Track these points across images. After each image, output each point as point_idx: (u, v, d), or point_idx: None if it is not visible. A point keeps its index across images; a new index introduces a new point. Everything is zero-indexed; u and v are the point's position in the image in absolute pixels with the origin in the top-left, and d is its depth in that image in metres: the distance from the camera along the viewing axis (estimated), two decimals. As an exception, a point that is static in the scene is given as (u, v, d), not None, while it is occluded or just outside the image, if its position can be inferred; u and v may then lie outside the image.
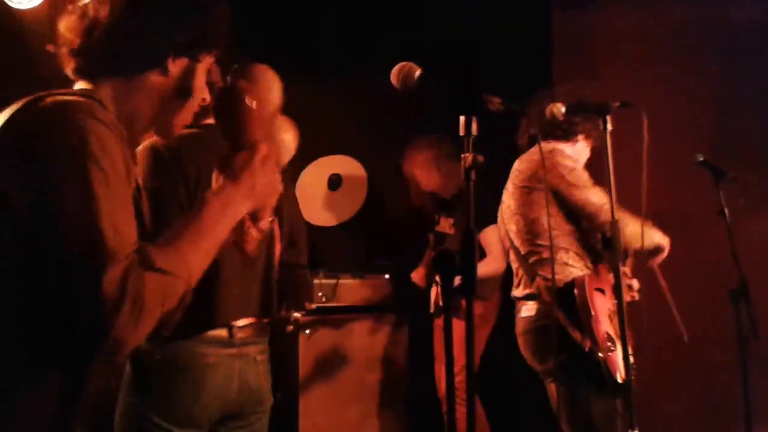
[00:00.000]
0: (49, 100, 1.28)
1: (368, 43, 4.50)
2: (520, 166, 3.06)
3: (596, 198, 2.89)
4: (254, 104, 1.49)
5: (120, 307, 1.16)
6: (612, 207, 2.47)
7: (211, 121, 2.18)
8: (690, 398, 4.29)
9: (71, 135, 1.21)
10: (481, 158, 1.81)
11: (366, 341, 4.37)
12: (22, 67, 3.50)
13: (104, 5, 1.38)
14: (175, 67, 1.42)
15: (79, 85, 1.42)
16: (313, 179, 4.62)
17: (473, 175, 1.82)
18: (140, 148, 2.14)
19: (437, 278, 4.05)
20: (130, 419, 2.17)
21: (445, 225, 4.23)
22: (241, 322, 2.25)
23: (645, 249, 2.88)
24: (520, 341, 2.97)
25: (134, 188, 1.34)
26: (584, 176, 2.96)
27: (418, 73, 1.78)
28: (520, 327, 2.98)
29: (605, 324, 2.78)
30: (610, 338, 2.75)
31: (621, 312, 2.41)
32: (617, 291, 2.42)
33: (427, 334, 4.34)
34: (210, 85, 1.51)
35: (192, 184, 2.11)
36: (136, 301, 1.17)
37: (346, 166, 4.61)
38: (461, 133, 1.81)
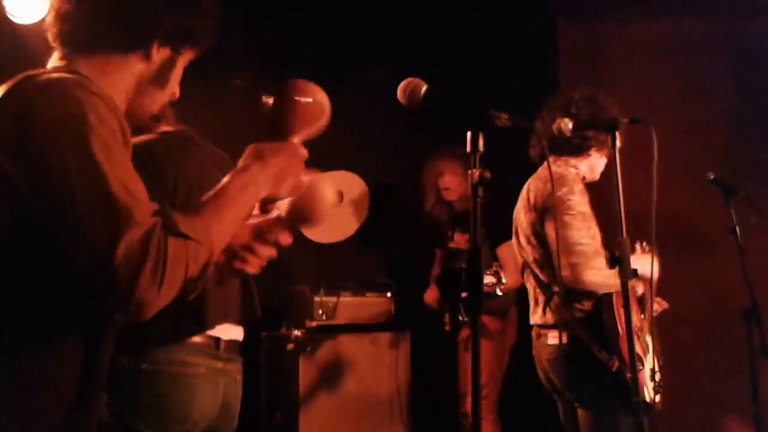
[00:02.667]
0: (42, 77, 1.28)
1: (371, 56, 4.47)
2: (533, 186, 2.98)
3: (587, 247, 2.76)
4: (301, 101, 1.53)
5: (141, 268, 1.16)
6: (622, 223, 2.40)
7: (168, 128, 2.21)
8: (701, 416, 4.22)
9: (69, 108, 1.22)
10: (488, 174, 1.79)
11: (367, 360, 4.33)
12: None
13: None
14: (158, 54, 1.43)
15: (55, 58, 1.42)
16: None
17: (480, 192, 1.81)
18: None
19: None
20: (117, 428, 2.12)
21: (461, 241, 4.20)
22: (226, 335, 2.23)
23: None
24: (546, 367, 2.90)
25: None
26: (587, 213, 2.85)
27: (424, 89, 1.78)
28: (545, 354, 2.90)
29: (626, 345, 2.67)
30: (638, 357, 2.68)
31: (630, 331, 2.36)
32: (626, 310, 2.37)
33: (429, 353, 4.28)
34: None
35: (170, 189, 2.11)
36: (158, 262, 1.17)
37: (348, 181, 4.56)
38: (468, 149, 1.79)
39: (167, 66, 1.44)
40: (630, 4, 4.54)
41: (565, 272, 2.72)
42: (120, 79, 1.40)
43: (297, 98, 1.53)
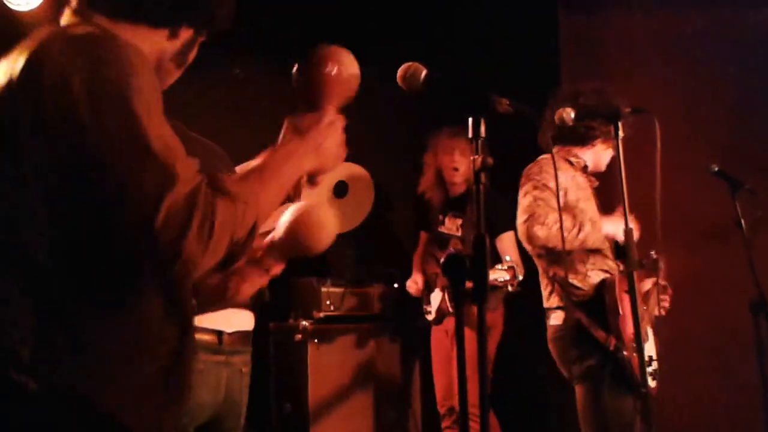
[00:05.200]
0: (78, 30, 1.25)
1: (372, 45, 4.48)
2: (525, 174, 3.06)
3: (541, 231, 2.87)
4: (334, 70, 1.50)
5: (188, 225, 1.13)
6: (626, 215, 2.41)
7: None
8: (709, 408, 4.22)
9: (112, 62, 1.19)
10: (490, 160, 1.77)
11: (374, 349, 4.35)
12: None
13: None
14: (184, 34, 1.42)
15: (68, 15, 1.37)
16: (319, 187, 4.58)
17: (483, 178, 1.77)
18: None
19: (440, 284, 4.03)
20: None
21: (452, 226, 4.17)
22: (230, 328, 2.20)
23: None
24: (551, 348, 3.03)
25: None
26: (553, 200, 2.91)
27: (423, 73, 1.75)
28: (549, 335, 3.04)
29: (629, 327, 2.78)
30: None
31: (636, 319, 2.37)
32: (632, 299, 2.38)
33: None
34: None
35: None
36: (205, 220, 1.14)
37: (352, 173, 4.57)
38: (470, 135, 1.77)
39: (189, 46, 1.44)
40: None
41: (520, 228, 2.89)
42: (147, 52, 1.35)
43: (329, 67, 1.51)
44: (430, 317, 4.16)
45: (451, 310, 3.89)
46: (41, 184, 1.18)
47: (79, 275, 1.20)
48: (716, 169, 3.36)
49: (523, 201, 2.93)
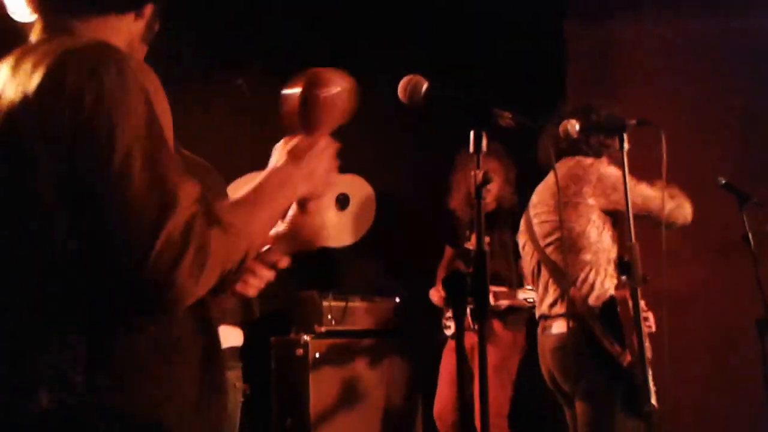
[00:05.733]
0: (85, 48, 1.24)
1: (376, 55, 4.47)
2: (561, 178, 2.93)
3: (651, 192, 2.82)
4: (329, 93, 1.49)
5: (182, 256, 1.13)
6: (631, 231, 2.38)
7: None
8: (714, 423, 4.16)
9: (126, 83, 1.19)
10: (491, 176, 1.75)
11: (376, 364, 4.31)
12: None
13: None
14: (147, 11, 1.41)
15: (38, 30, 1.35)
16: (321, 199, 4.56)
17: (484, 194, 1.78)
18: None
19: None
20: None
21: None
22: (224, 343, 2.19)
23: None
24: (549, 358, 2.88)
25: None
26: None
27: (425, 86, 1.73)
28: (550, 344, 2.89)
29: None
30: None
31: (640, 336, 2.35)
32: (636, 314, 2.36)
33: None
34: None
35: None
36: (199, 250, 1.15)
37: (354, 185, 4.55)
38: (471, 149, 1.75)
39: (152, 19, 1.43)
40: (639, 3, 4.50)
41: (668, 206, 2.81)
42: (118, 41, 1.35)
43: (323, 91, 1.48)
44: (449, 332, 4.13)
45: (472, 326, 3.86)
46: (55, 199, 1.17)
47: (103, 295, 1.19)
48: (724, 181, 3.32)
49: (634, 198, 2.65)
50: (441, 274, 4.34)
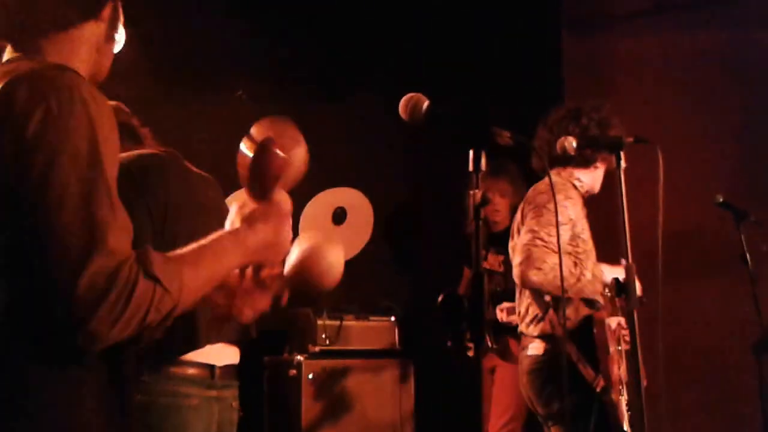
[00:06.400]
0: (34, 73, 1.24)
1: (373, 69, 4.46)
2: (531, 198, 2.98)
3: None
4: (283, 155, 1.47)
5: (103, 300, 1.14)
6: (627, 250, 2.36)
7: (153, 149, 2.17)
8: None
9: (72, 114, 1.19)
10: (490, 195, 1.75)
11: (370, 386, 4.26)
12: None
13: None
14: (106, 10, 1.41)
15: (9, 51, 1.38)
16: (317, 213, 4.53)
17: (482, 214, 1.77)
18: None
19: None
20: None
21: (494, 262, 4.13)
22: (220, 362, 2.19)
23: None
24: (524, 380, 2.91)
25: None
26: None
27: (426, 105, 1.76)
28: (525, 365, 2.92)
29: (618, 366, 2.75)
30: (621, 381, 2.73)
31: (636, 359, 2.33)
32: (632, 337, 2.33)
33: (434, 379, 4.21)
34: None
35: (160, 206, 2.06)
36: (120, 298, 1.15)
37: (352, 199, 4.52)
38: (470, 168, 1.76)
39: (115, 17, 1.43)
40: (635, 16, 4.51)
41: (515, 270, 2.80)
42: (84, 50, 1.38)
43: (277, 153, 1.47)
44: (470, 353, 4.09)
45: (493, 346, 3.86)
46: None
47: (20, 332, 1.20)
48: (721, 199, 3.31)
49: (523, 238, 2.84)
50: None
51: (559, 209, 2.81)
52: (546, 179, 2.95)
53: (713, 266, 3.92)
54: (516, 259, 2.81)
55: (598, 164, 3.00)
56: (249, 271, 1.48)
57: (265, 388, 4.21)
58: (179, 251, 1.31)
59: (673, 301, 2.93)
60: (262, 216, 1.43)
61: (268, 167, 1.45)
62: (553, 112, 3.01)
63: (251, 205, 1.45)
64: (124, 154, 2.00)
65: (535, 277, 2.74)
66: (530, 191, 3.01)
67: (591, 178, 3.02)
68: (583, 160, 2.94)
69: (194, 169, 2.25)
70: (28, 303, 1.18)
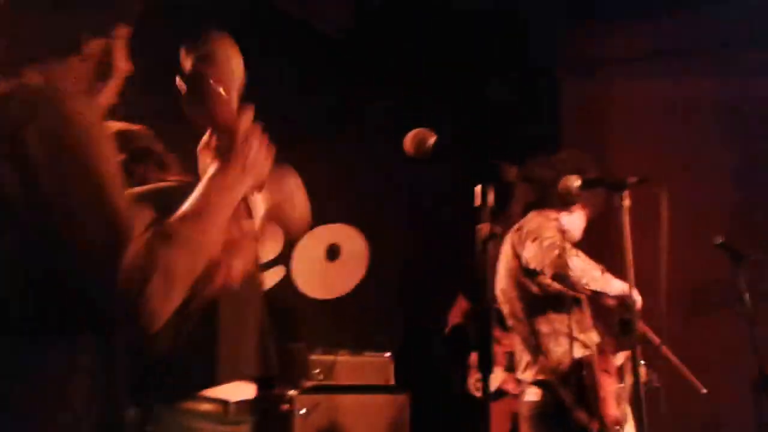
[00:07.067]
0: (30, 88, 1.26)
1: (369, 105, 4.48)
2: (511, 239, 3.01)
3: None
4: (221, 89, 1.49)
5: (148, 279, 1.18)
6: (630, 287, 2.35)
7: (176, 177, 2.11)
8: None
9: (72, 122, 1.21)
10: (497, 230, 1.75)
11: (364, 422, 4.20)
12: None
13: None
14: (91, 48, 1.37)
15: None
16: (311, 249, 4.51)
17: (490, 247, 1.76)
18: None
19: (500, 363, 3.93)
20: None
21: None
22: (234, 397, 2.13)
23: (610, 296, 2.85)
24: (524, 427, 2.94)
25: None
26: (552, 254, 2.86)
27: (432, 140, 1.78)
28: (524, 411, 2.95)
29: (613, 407, 2.77)
30: (617, 421, 2.75)
31: (638, 396, 2.31)
32: (635, 374, 2.31)
33: (430, 416, 4.16)
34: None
35: None
36: (162, 273, 1.20)
37: (346, 235, 4.50)
38: (476, 203, 1.77)
39: (107, 55, 1.39)
40: (632, 60, 4.57)
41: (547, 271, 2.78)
42: (71, 83, 1.35)
43: (215, 89, 1.48)
44: (478, 393, 4.05)
45: (515, 392, 3.83)
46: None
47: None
48: (720, 240, 3.31)
49: (532, 247, 2.83)
50: (453, 319, 4.25)
51: (546, 228, 2.87)
52: (526, 217, 3.00)
53: (711, 306, 3.92)
54: (542, 259, 2.79)
55: (575, 208, 3.02)
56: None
57: (256, 423, 4.14)
58: (180, 211, 1.33)
59: (672, 340, 2.93)
60: (228, 147, 1.44)
61: (203, 102, 1.47)
62: (556, 152, 3.05)
63: (211, 141, 1.47)
64: (146, 187, 1.99)
65: (576, 261, 2.76)
66: (513, 234, 3.01)
67: (569, 221, 3.03)
68: (560, 202, 2.94)
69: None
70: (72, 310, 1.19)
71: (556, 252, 2.78)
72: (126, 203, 1.22)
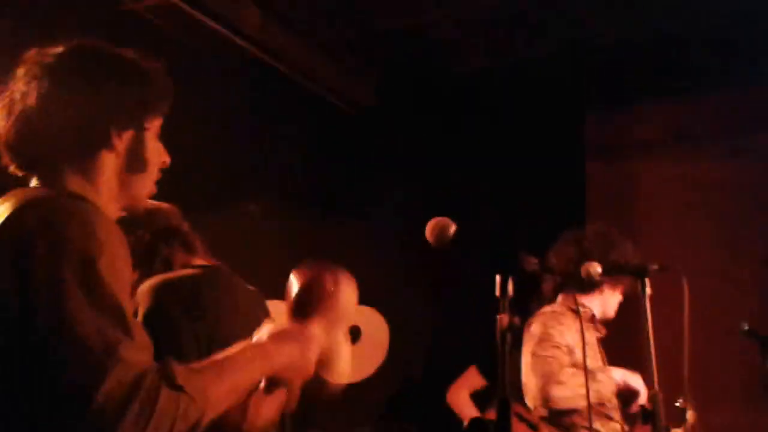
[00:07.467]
0: (47, 204, 1.26)
1: (393, 188, 4.52)
2: (534, 330, 2.96)
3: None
4: (332, 290, 1.53)
5: (125, 411, 1.13)
6: (653, 378, 2.31)
7: (201, 261, 2.09)
8: None
9: (80, 240, 1.20)
10: (517, 320, 1.74)
11: None
12: None
13: (31, 90, 1.35)
14: (122, 141, 1.39)
15: (34, 182, 1.39)
16: (334, 331, 4.48)
17: (509, 338, 1.73)
18: (153, 282, 1.96)
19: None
20: None
21: None
22: None
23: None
24: None
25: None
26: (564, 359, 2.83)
27: (453, 229, 1.77)
28: None
29: None
30: None
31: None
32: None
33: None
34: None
35: (210, 328, 1.92)
36: (144, 408, 1.15)
37: (366, 318, 4.48)
38: (497, 293, 1.76)
39: (138, 147, 1.41)
40: (656, 144, 4.59)
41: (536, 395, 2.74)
42: (104, 180, 1.38)
43: (327, 287, 1.52)
44: None
45: None
46: None
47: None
48: (746, 327, 3.25)
49: (531, 360, 2.82)
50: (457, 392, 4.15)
51: (552, 333, 2.84)
52: (539, 312, 2.97)
53: (738, 394, 3.83)
54: (532, 380, 2.76)
55: (604, 288, 3.00)
56: (263, 382, 1.46)
57: None
58: (203, 362, 1.31)
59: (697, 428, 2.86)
60: (293, 336, 1.44)
61: (316, 291, 1.50)
62: (580, 232, 3.04)
63: (285, 324, 1.46)
64: (173, 273, 1.98)
65: (560, 392, 2.69)
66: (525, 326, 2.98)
67: (599, 302, 3.03)
68: (586, 285, 2.94)
69: (243, 284, 2.13)
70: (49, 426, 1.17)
71: (554, 367, 2.75)
72: (121, 327, 1.19)
